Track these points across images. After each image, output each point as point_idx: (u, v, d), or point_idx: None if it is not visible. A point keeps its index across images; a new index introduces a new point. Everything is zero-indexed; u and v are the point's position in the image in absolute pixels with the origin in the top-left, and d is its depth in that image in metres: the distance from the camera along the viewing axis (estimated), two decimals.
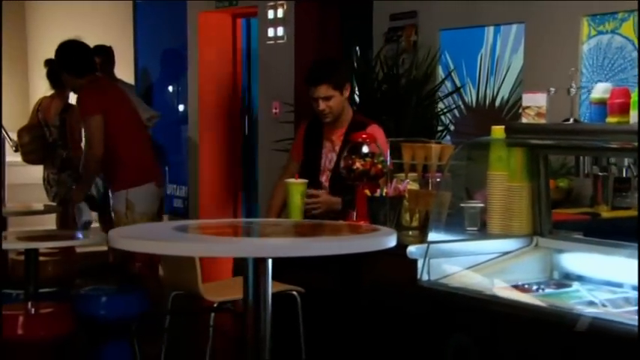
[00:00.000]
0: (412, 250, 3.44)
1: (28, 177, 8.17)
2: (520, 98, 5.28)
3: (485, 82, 5.76)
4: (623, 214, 4.23)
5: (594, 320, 2.89)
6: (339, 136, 4.68)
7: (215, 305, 4.23)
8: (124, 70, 8.26)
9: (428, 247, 3.43)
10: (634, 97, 3.17)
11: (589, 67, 4.95)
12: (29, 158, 7.24)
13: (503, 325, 3.19)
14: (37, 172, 7.37)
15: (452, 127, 5.84)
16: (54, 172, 7.07)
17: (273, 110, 6.99)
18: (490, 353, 3.21)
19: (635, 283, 3.01)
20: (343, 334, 3.98)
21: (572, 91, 3.57)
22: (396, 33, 6.10)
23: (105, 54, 7.89)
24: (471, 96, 5.87)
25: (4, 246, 5.01)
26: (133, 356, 4.68)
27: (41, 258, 5.08)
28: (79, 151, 6.63)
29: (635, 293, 3.08)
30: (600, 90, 3.34)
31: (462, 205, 3.86)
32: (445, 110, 5.84)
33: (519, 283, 3.47)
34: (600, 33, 4.92)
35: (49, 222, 7.22)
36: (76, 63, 5.66)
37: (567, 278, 3.57)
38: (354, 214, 4.08)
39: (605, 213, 4.29)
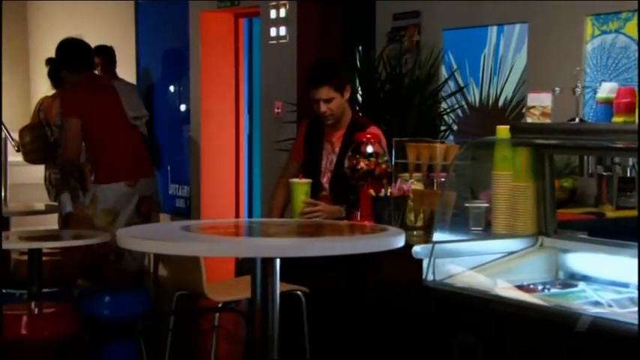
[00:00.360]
0: (417, 250, 3.43)
1: (30, 177, 8.18)
2: (523, 98, 5.28)
3: (489, 82, 5.76)
4: (628, 214, 4.22)
5: (600, 320, 2.89)
6: (338, 137, 4.67)
7: (220, 305, 4.23)
8: (126, 70, 8.26)
9: (433, 247, 3.43)
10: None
11: (593, 67, 4.94)
12: (30, 158, 7.23)
13: (508, 325, 3.18)
14: (38, 171, 7.36)
15: (455, 127, 5.83)
16: (55, 171, 7.06)
17: (276, 110, 6.98)
18: (496, 353, 3.21)
19: None
20: (348, 334, 3.98)
21: (578, 90, 3.56)
22: (399, 33, 6.10)
23: (106, 54, 7.90)
24: (474, 96, 5.87)
25: (8, 246, 5.02)
26: (140, 356, 4.67)
27: (44, 258, 5.07)
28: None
29: None
30: (606, 89, 3.34)
31: (466, 205, 3.85)
32: (448, 110, 5.84)
33: (524, 283, 3.47)
34: (604, 32, 4.92)
35: (51, 222, 7.21)
36: (72, 60, 5.80)
37: (573, 278, 3.56)
38: (358, 214, 4.07)
39: (610, 213, 4.29)
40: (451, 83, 5.87)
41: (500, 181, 3.74)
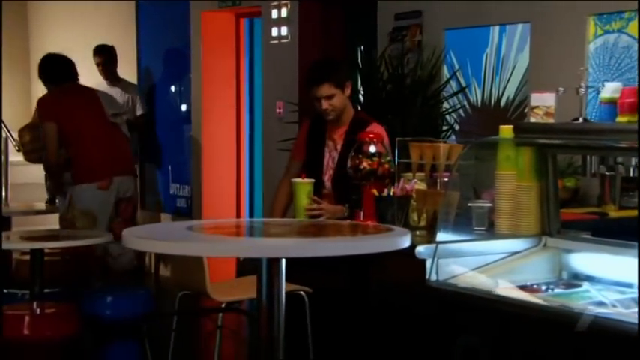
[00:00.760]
0: (421, 250, 3.43)
1: (31, 176, 8.18)
2: (525, 98, 5.29)
3: (491, 82, 5.76)
4: (631, 214, 4.22)
5: (604, 320, 2.89)
6: (340, 135, 4.67)
7: (223, 305, 4.22)
8: (127, 70, 8.26)
9: (436, 247, 3.42)
10: None
11: (595, 67, 4.94)
12: (31, 157, 7.23)
13: (512, 325, 3.18)
14: (39, 171, 7.34)
15: (457, 127, 5.83)
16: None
17: (277, 110, 6.98)
18: (499, 354, 3.21)
19: None
20: (351, 334, 3.97)
21: (582, 90, 3.56)
22: (401, 33, 6.09)
23: (107, 53, 7.90)
24: (476, 96, 5.86)
25: (10, 246, 5.02)
26: (144, 356, 4.67)
27: (45, 258, 5.07)
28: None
29: None
30: (610, 89, 3.34)
31: (469, 205, 3.85)
32: (450, 110, 5.83)
33: (528, 283, 3.47)
34: (607, 32, 4.92)
35: (52, 222, 7.21)
36: (53, 74, 6.20)
37: (576, 278, 3.55)
38: (361, 214, 4.07)
39: (613, 213, 4.28)
40: (453, 83, 5.87)
41: (503, 181, 3.73)
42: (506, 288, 3.37)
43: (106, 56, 7.90)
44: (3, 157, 8.12)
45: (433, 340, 3.45)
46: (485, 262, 3.55)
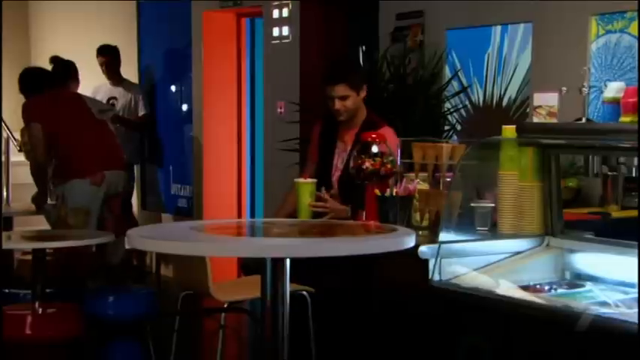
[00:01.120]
0: (423, 250, 3.42)
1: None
2: (527, 98, 5.29)
3: (493, 82, 5.76)
4: (633, 214, 4.22)
5: (607, 321, 2.89)
6: (351, 136, 4.68)
7: (225, 305, 4.22)
8: (128, 70, 8.25)
9: (439, 247, 3.42)
10: None
11: (597, 67, 4.94)
12: None
13: (515, 325, 3.17)
14: None
15: (458, 127, 5.83)
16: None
17: (278, 110, 6.97)
18: (502, 354, 3.20)
19: None
20: (353, 334, 3.97)
21: (584, 90, 3.56)
22: (403, 32, 6.10)
23: (111, 53, 7.89)
24: (477, 95, 5.86)
25: (11, 246, 5.02)
26: (147, 356, 4.66)
27: (47, 257, 5.07)
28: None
29: None
30: (614, 89, 3.34)
31: (472, 204, 3.85)
32: (452, 110, 5.83)
33: (531, 283, 3.47)
34: (609, 32, 4.92)
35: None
36: (30, 86, 6.32)
37: (579, 278, 3.55)
38: (364, 213, 4.07)
39: (616, 213, 4.28)
40: (455, 83, 5.87)
41: (506, 180, 3.73)
42: (508, 288, 3.36)
43: (110, 56, 7.89)
44: (4, 157, 8.10)
45: (436, 340, 3.45)
46: (487, 262, 3.55)
